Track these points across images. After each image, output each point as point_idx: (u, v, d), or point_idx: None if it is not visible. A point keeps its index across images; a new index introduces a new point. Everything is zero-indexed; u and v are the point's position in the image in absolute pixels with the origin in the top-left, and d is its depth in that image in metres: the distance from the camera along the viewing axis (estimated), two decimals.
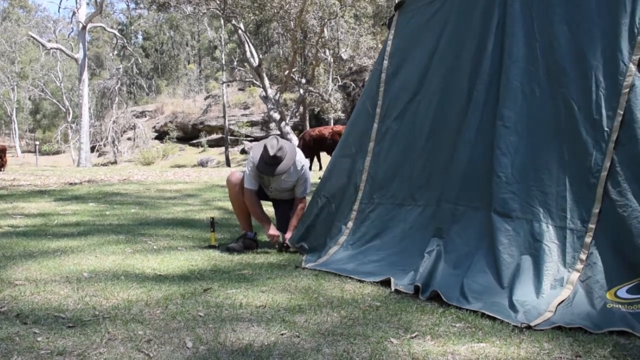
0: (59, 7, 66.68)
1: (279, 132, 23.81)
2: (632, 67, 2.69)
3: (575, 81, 2.87)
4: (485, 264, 2.91)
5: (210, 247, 4.23)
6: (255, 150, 4.11)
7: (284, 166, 4.05)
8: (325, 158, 17.23)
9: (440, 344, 2.23)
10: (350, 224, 3.80)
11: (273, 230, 4.19)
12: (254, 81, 25.35)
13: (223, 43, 37.43)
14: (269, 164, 4.01)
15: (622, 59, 2.72)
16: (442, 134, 3.50)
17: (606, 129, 2.72)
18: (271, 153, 3.97)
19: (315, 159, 17.11)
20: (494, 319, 2.52)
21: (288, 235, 4.16)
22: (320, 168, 16.82)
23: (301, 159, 4.24)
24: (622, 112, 2.69)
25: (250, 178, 4.17)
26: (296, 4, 20.87)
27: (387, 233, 3.59)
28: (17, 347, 2.17)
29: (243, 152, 31.59)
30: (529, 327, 2.39)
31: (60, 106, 41.13)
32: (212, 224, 4.34)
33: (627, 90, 2.69)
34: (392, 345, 2.22)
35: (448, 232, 3.20)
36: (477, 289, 2.79)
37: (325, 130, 16.64)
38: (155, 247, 4.29)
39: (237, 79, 32.52)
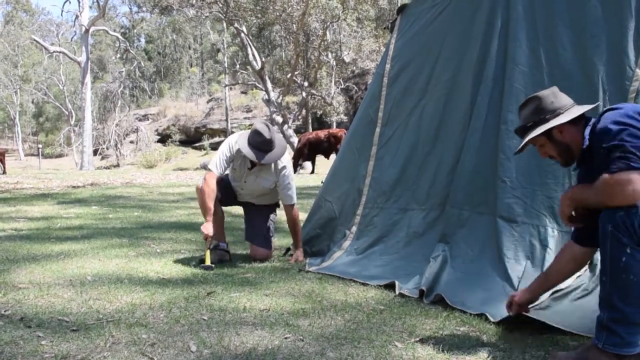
0: (62, 11, 66.96)
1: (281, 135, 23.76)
2: (639, 72, 2.69)
3: (581, 86, 2.86)
4: (490, 268, 2.90)
5: (204, 267, 3.64)
6: (241, 137, 3.75)
7: (274, 156, 3.68)
8: (323, 161, 17.53)
9: (445, 348, 2.22)
10: (354, 229, 3.79)
11: (207, 228, 3.70)
12: (257, 84, 25.37)
13: (225, 46, 37.49)
14: (258, 149, 3.62)
15: (628, 64, 2.72)
16: (446, 139, 3.50)
17: None
18: (267, 137, 3.60)
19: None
20: (498, 323, 2.51)
21: (300, 255, 3.85)
22: (313, 171, 17.20)
23: (285, 159, 3.84)
24: None
25: (219, 162, 3.77)
26: (298, 7, 20.91)
27: (391, 238, 3.58)
28: (21, 350, 2.17)
29: None
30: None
31: (63, 109, 41.20)
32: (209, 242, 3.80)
33: (634, 95, 2.68)
34: (396, 349, 2.21)
35: (453, 237, 3.20)
36: (482, 293, 2.78)
37: (322, 133, 17.16)
38: (158, 250, 4.29)
39: (239, 82, 32.56)
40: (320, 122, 30.67)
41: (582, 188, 2.05)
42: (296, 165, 17.36)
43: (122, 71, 41.19)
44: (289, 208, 3.91)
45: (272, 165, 3.80)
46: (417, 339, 2.32)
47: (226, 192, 3.98)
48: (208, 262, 3.66)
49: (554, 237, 2.80)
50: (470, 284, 2.87)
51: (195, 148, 36.84)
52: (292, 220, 3.92)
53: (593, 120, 2.06)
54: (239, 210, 4.36)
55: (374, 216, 3.74)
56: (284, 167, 3.83)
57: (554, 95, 2.16)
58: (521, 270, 2.79)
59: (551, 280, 2.32)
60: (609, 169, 1.86)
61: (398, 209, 3.63)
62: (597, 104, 2.20)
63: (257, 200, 4.07)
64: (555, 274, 2.29)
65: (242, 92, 39.66)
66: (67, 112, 40.48)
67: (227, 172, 3.99)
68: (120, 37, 35.79)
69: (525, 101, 2.23)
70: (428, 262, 3.14)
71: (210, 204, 3.74)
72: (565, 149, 2.12)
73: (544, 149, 2.20)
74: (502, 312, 2.61)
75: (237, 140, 3.75)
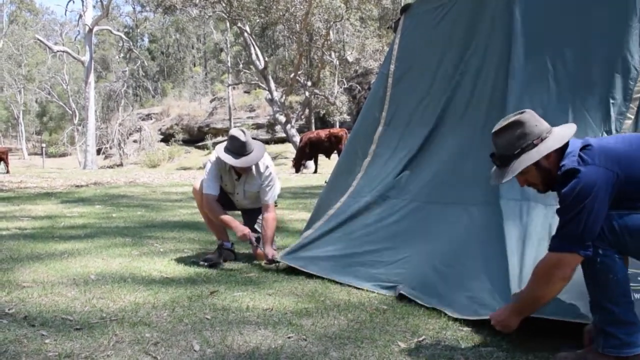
0: (66, 10, 66.81)
1: (284, 135, 23.91)
2: None
3: (585, 86, 2.85)
4: (479, 265, 2.80)
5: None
6: (218, 149, 3.84)
7: (251, 158, 3.74)
8: (327, 161, 17.63)
9: (447, 348, 2.22)
10: (330, 212, 3.71)
11: (242, 229, 3.80)
12: (260, 84, 25.44)
13: (229, 46, 37.55)
14: (236, 153, 3.71)
15: (633, 64, 2.71)
16: (447, 139, 3.46)
17: (615, 132, 2.71)
18: (242, 139, 3.69)
19: (312, 161, 17.75)
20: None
21: (269, 250, 3.71)
22: (315, 171, 17.35)
23: (267, 160, 3.92)
24: (632, 117, 2.68)
25: (211, 182, 3.83)
26: (302, 7, 20.94)
27: (360, 220, 3.48)
28: (25, 349, 2.18)
29: None
30: None
31: (67, 109, 41.31)
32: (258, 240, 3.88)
33: (639, 95, 2.68)
34: (399, 349, 2.21)
35: (436, 231, 3.12)
36: (466, 293, 2.69)
37: (323, 133, 17.50)
38: (161, 249, 4.30)
39: (242, 81, 32.58)
40: (323, 122, 30.65)
41: (516, 304, 2.14)
42: (299, 165, 17.42)
43: (126, 70, 41.27)
44: (267, 207, 3.88)
45: (254, 168, 3.86)
46: (420, 339, 2.32)
47: (225, 199, 4.04)
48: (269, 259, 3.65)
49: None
50: (463, 287, 2.75)
51: (199, 147, 36.88)
52: (268, 219, 3.84)
53: (571, 154, 1.96)
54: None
55: (354, 203, 3.63)
56: (266, 168, 3.90)
57: (535, 119, 2.03)
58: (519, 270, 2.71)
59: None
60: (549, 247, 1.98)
61: (378, 197, 3.52)
62: (575, 128, 2.09)
63: (253, 205, 4.12)
64: None
65: (245, 92, 39.68)
66: (70, 112, 40.59)
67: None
68: (123, 36, 35.91)
69: (504, 127, 2.04)
70: (397, 253, 3.10)
71: (222, 215, 3.83)
72: (548, 176, 2.03)
73: (525, 177, 2.07)
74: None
75: (216, 152, 3.81)
